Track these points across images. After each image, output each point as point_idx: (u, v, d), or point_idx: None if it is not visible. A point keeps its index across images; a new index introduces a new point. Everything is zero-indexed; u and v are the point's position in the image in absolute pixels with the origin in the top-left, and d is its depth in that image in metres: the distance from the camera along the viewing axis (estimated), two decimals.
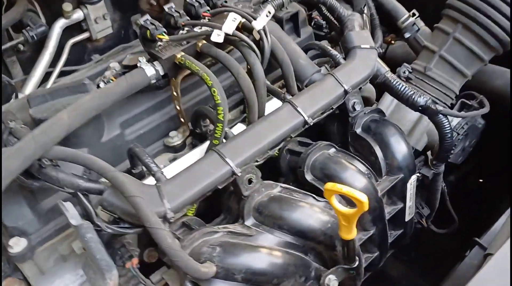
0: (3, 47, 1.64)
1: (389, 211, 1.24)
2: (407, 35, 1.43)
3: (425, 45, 1.39)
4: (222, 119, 1.07)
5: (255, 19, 1.12)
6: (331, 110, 1.21)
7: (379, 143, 1.21)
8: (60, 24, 1.71)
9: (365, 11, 1.43)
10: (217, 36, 1.10)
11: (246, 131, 1.10)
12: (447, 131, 1.21)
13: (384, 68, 1.24)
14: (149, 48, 1.15)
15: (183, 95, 1.24)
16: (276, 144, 1.13)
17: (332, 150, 1.21)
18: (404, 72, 1.39)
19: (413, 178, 1.22)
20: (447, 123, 1.21)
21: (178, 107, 1.21)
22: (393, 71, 1.33)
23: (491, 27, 1.28)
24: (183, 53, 1.11)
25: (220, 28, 1.10)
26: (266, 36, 1.12)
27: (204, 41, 1.13)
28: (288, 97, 1.18)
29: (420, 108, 1.21)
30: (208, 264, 0.97)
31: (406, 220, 1.28)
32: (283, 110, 1.14)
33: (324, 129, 1.35)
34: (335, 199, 0.94)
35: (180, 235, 1.09)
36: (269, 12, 1.14)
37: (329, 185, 0.92)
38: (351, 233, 0.98)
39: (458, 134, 1.35)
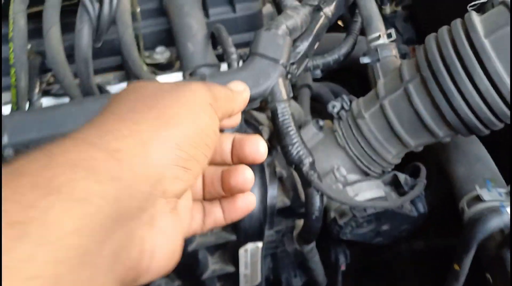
0: None
1: (214, 269, 0.98)
2: (365, 60, 1.02)
3: (377, 83, 1.00)
4: (14, 84, 0.85)
5: None
6: None
7: None
8: None
9: (326, 10, 1.04)
10: None
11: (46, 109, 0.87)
12: (315, 208, 0.87)
13: (282, 95, 0.90)
14: None
15: None
16: None
17: None
18: (334, 107, 1.03)
19: (249, 246, 0.93)
20: (317, 200, 0.87)
21: None
22: None
23: (452, 97, 0.85)
24: None
25: None
26: (111, 1, 0.84)
27: None
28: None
29: (293, 165, 0.88)
30: None
31: None
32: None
33: None
34: None
35: None
36: None
37: None
38: None
39: (354, 216, 0.98)
